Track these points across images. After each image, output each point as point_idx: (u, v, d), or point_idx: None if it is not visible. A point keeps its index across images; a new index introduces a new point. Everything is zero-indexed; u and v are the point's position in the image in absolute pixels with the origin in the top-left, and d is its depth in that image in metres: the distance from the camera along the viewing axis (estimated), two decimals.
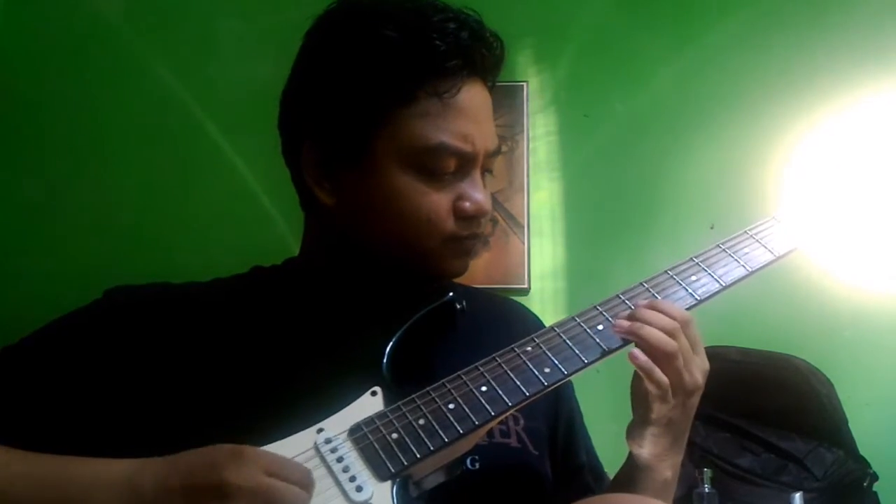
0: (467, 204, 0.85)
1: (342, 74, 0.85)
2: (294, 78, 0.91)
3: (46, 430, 0.80)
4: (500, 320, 0.99)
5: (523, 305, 1.08)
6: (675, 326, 0.81)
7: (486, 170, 0.89)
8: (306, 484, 0.70)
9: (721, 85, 2.06)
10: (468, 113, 0.84)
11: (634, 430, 0.84)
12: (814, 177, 1.93)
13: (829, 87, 2.01)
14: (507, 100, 2.04)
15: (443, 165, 0.84)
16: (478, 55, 0.85)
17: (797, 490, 1.73)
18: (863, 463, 1.82)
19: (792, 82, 2.03)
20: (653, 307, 0.82)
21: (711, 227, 1.97)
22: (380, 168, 0.85)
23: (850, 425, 1.85)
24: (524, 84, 2.05)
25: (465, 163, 0.85)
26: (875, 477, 1.81)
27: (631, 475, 0.87)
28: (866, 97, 1.97)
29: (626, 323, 0.82)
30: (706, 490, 1.73)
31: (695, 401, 0.84)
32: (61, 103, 2.05)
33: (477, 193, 0.86)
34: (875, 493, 1.81)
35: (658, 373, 0.80)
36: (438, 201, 0.84)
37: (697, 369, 0.82)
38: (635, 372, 0.82)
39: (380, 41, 0.83)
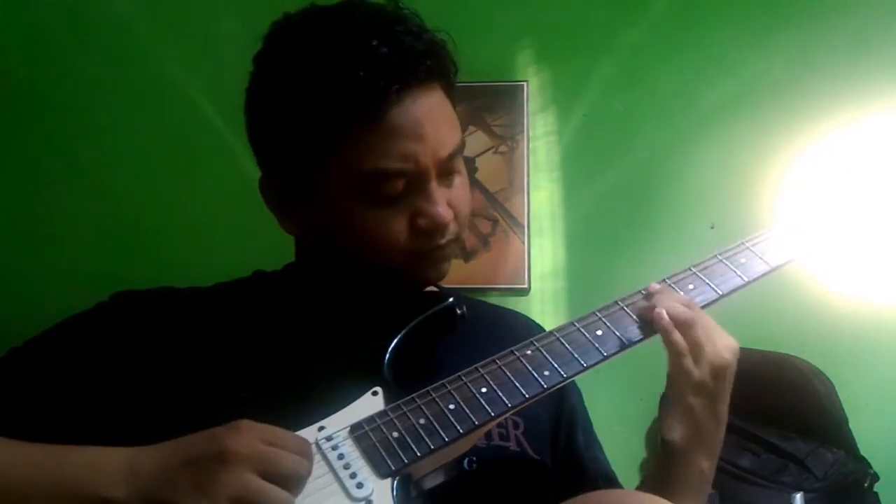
0: (422, 220, 0.84)
1: (276, 119, 0.86)
2: (245, 112, 0.91)
3: (52, 431, 0.80)
4: (503, 329, 0.98)
5: (529, 317, 1.08)
6: (693, 301, 0.84)
7: (449, 173, 0.87)
8: (305, 453, 0.71)
9: (721, 85, 2.06)
10: (404, 131, 0.81)
11: (664, 413, 0.85)
12: (814, 178, 1.94)
13: (830, 90, 2.00)
14: (507, 100, 2.04)
15: (388, 188, 0.83)
16: (405, 68, 0.81)
17: (798, 490, 1.74)
18: (863, 463, 1.83)
19: (793, 84, 2.03)
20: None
21: (712, 228, 1.98)
22: (330, 200, 0.85)
23: (851, 425, 1.86)
24: (524, 84, 2.06)
25: (413, 180, 0.83)
26: (876, 477, 1.82)
27: (666, 465, 0.85)
28: (869, 101, 1.97)
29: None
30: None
31: (725, 384, 0.85)
32: (61, 99, 2.04)
33: (432, 207, 0.83)
34: (875, 493, 1.82)
35: (676, 334, 0.82)
36: (392, 223, 0.84)
37: (724, 346, 0.84)
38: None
39: (299, 82, 0.83)
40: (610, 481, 1.00)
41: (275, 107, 0.86)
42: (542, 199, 2.06)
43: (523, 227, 2.03)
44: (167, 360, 0.84)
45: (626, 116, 2.07)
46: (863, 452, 1.84)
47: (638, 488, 0.93)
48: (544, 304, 2.01)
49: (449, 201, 0.86)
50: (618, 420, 1.92)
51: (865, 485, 1.80)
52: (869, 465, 1.82)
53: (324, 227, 0.88)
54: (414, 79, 0.82)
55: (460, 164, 0.88)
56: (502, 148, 2.05)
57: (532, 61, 2.09)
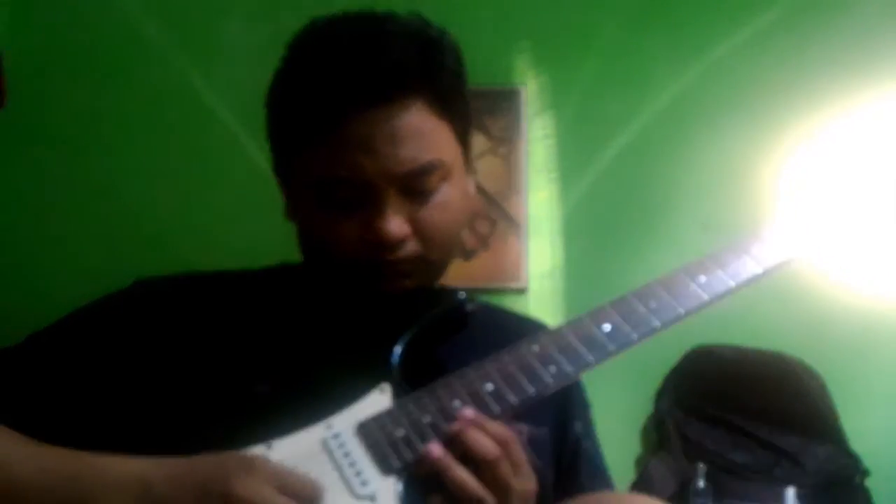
0: (369, 233, 0.84)
1: (268, 115, 0.92)
2: None
3: (70, 418, 0.82)
4: (514, 331, 0.95)
5: (539, 320, 1.08)
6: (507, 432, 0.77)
7: (419, 191, 0.85)
8: (312, 501, 0.71)
9: (717, 87, 2.06)
10: (356, 143, 0.82)
11: None
12: (808, 178, 1.95)
13: (825, 91, 2.01)
14: (505, 103, 2.06)
15: (338, 195, 0.84)
16: (368, 84, 0.82)
17: (790, 485, 1.76)
18: (854, 458, 1.84)
19: (788, 85, 2.03)
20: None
21: (706, 228, 1.99)
22: (299, 200, 0.89)
23: (842, 421, 1.88)
24: (522, 88, 2.07)
25: (363, 191, 0.84)
26: (866, 472, 1.84)
27: None
28: (862, 102, 1.97)
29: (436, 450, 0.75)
30: (701, 485, 1.75)
31: None
32: (67, 98, 2.03)
33: (379, 221, 0.83)
34: (866, 488, 1.84)
35: (457, 470, 0.73)
36: (344, 230, 0.84)
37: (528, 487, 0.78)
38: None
39: (281, 87, 0.89)
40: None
41: (268, 104, 0.91)
42: (539, 200, 2.07)
43: (522, 228, 2.05)
44: (185, 350, 0.85)
45: (621, 119, 2.07)
46: (854, 448, 1.86)
47: None
48: (542, 304, 2.02)
49: (414, 219, 0.85)
50: (615, 418, 1.93)
51: (856, 480, 1.82)
52: (860, 461, 1.84)
53: (300, 227, 0.92)
54: (378, 95, 0.83)
55: (441, 183, 0.86)
56: (501, 150, 2.06)
57: (530, 65, 2.10)
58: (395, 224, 0.83)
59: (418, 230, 0.85)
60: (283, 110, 0.89)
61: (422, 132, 0.85)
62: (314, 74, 0.84)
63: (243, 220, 1.99)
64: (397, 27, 0.86)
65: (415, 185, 0.85)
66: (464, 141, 0.91)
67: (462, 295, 0.87)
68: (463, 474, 0.74)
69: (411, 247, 0.85)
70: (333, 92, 0.83)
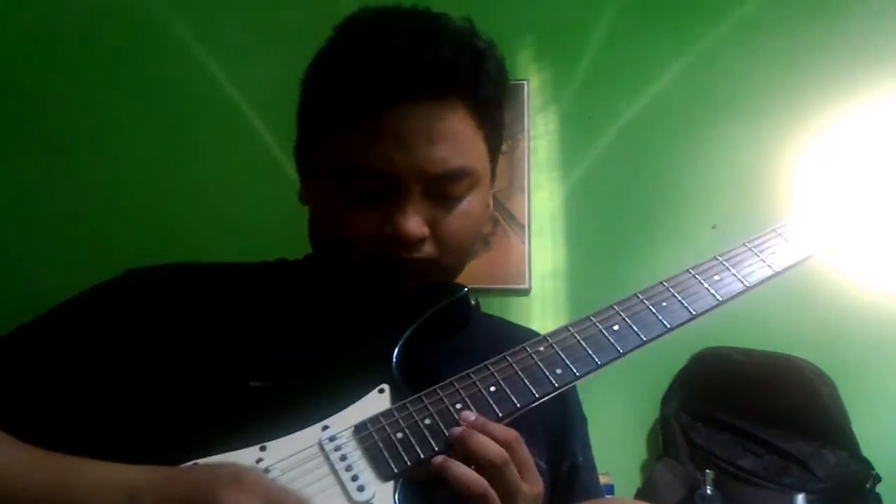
0: (388, 227, 0.84)
1: (303, 95, 0.92)
2: None
3: (61, 406, 0.81)
4: (521, 342, 0.97)
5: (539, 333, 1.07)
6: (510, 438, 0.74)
7: (446, 195, 0.86)
8: None
9: (723, 85, 2.06)
10: (392, 135, 0.82)
11: None
12: (821, 177, 1.94)
13: (832, 90, 2.00)
14: (507, 99, 2.04)
15: (363, 185, 0.84)
16: (411, 81, 0.83)
17: (800, 492, 1.74)
18: (865, 464, 1.83)
19: (796, 84, 2.02)
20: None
21: (713, 227, 1.98)
22: (319, 184, 0.89)
23: (853, 426, 1.86)
24: (525, 83, 2.05)
25: (390, 184, 0.83)
26: (878, 478, 1.82)
27: None
28: (871, 99, 1.97)
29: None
30: (708, 492, 1.73)
31: None
32: (68, 84, 2.03)
33: (400, 217, 0.83)
34: (878, 494, 1.82)
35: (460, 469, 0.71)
36: (363, 221, 0.84)
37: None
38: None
39: (323, 71, 0.89)
40: None
41: (305, 84, 0.92)
42: (542, 198, 2.06)
43: (524, 227, 2.02)
44: (179, 341, 0.84)
45: (627, 115, 2.07)
46: (865, 453, 1.84)
47: None
48: (545, 304, 2.01)
49: (435, 222, 0.85)
50: (620, 422, 1.92)
51: (868, 486, 1.80)
52: (871, 467, 1.82)
53: (313, 213, 0.91)
54: (423, 90, 0.83)
55: (467, 191, 0.87)
56: (503, 147, 2.04)
57: (533, 60, 2.09)
58: (415, 223, 0.83)
59: (437, 234, 0.85)
60: (321, 90, 0.89)
61: (458, 137, 0.85)
62: (362, 58, 0.84)
63: (242, 219, 1.99)
64: (450, 28, 0.87)
65: (442, 189, 0.85)
66: (494, 154, 0.92)
67: (465, 290, 0.86)
68: (465, 471, 0.72)
69: (427, 249, 0.85)
70: (379, 78, 0.83)
